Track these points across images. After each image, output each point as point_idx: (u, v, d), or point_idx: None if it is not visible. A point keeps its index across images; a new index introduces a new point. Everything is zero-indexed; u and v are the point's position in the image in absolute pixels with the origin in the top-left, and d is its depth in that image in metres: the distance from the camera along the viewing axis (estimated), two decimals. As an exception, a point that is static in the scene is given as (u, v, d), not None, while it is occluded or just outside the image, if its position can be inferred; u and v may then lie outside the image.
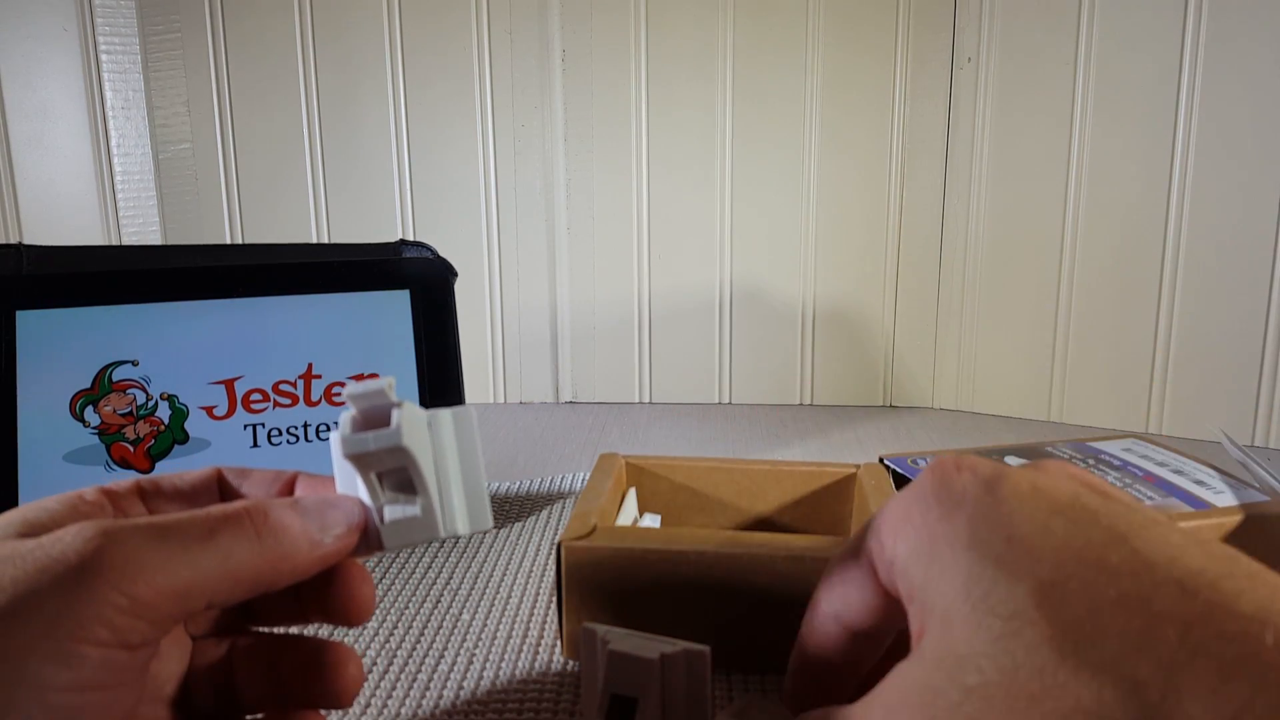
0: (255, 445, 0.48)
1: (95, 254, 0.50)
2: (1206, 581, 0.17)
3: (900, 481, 0.46)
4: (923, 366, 0.83)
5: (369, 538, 0.26)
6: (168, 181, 0.84)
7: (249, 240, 0.85)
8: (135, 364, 0.46)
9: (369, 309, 0.50)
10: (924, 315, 0.82)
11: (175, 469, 0.33)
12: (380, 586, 0.45)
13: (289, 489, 0.28)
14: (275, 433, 0.48)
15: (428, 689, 0.36)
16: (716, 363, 0.85)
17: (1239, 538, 0.40)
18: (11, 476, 0.43)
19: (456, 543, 0.50)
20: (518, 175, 0.83)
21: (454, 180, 0.83)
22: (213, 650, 0.27)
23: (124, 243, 0.84)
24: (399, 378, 0.50)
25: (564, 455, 0.69)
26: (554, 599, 0.44)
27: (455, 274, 0.53)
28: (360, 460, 0.25)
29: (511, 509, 0.56)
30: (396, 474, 0.26)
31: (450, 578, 0.46)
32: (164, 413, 0.46)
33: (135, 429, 0.46)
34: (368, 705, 0.35)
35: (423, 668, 0.38)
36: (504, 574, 0.46)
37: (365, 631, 0.41)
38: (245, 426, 0.48)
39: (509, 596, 0.44)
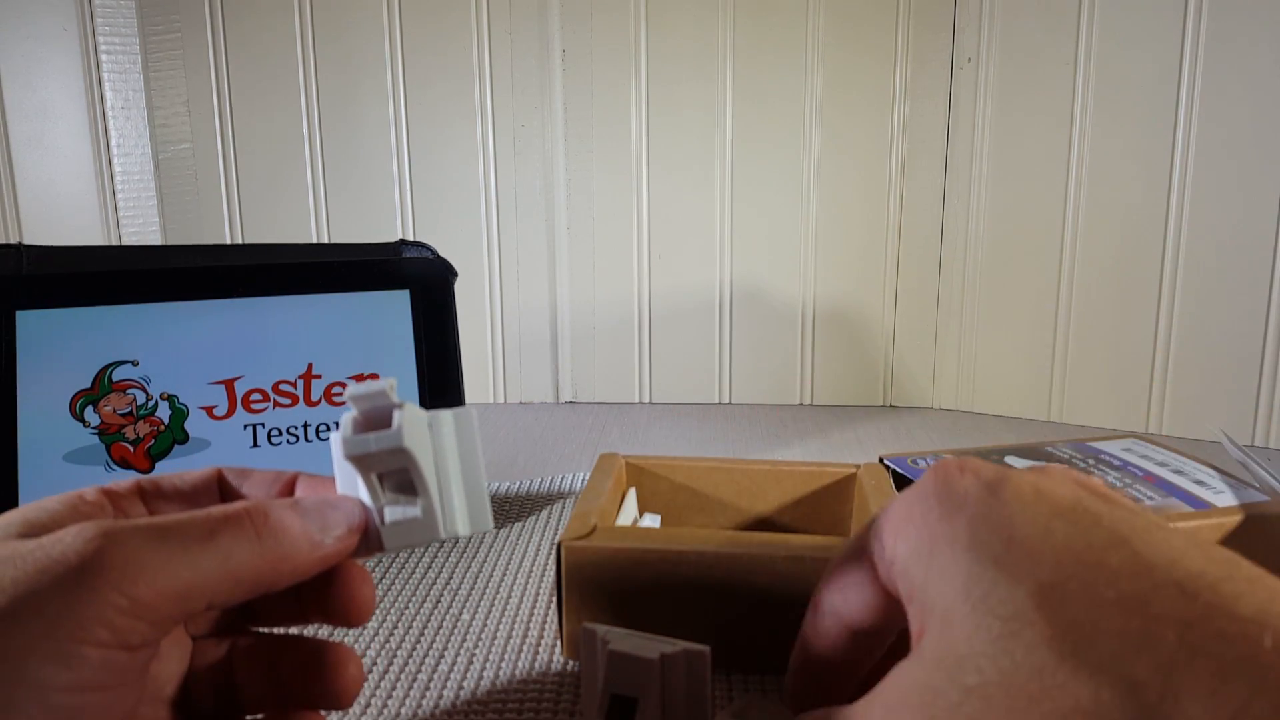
0: (255, 445, 0.48)
1: (95, 254, 0.50)
2: (1206, 584, 0.18)
3: (900, 482, 0.46)
4: (923, 366, 0.83)
5: (369, 539, 0.26)
6: (168, 181, 0.84)
7: (249, 240, 0.85)
8: (135, 364, 0.46)
9: (369, 309, 0.50)
10: (924, 315, 0.82)
11: (175, 469, 0.33)
12: (380, 587, 0.45)
13: (289, 489, 0.28)
14: (275, 433, 0.48)
15: (428, 689, 0.36)
16: (716, 363, 0.85)
17: (1239, 538, 0.40)
18: (11, 476, 0.43)
19: (456, 543, 0.50)
20: (518, 175, 0.83)
21: (454, 180, 0.83)
22: (213, 651, 0.27)
23: (124, 243, 0.84)
24: (399, 378, 0.50)
25: (564, 455, 0.69)
26: (554, 599, 0.44)
27: (455, 274, 0.53)
28: (361, 461, 0.25)
29: (511, 509, 0.56)
30: (397, 475, 0.26)
31: (450, 578, 0.46)
32: (164, 413, 0.46)
33: (135, 429, 0.46)
34: (368, 705, 0.35)
35: (423, 668, 0.38)
36: (504, 574, 0.47)
37: (365, 631, 0.41)
38: (245, 426, 0.48)
39: (509, 596, 0.44)
